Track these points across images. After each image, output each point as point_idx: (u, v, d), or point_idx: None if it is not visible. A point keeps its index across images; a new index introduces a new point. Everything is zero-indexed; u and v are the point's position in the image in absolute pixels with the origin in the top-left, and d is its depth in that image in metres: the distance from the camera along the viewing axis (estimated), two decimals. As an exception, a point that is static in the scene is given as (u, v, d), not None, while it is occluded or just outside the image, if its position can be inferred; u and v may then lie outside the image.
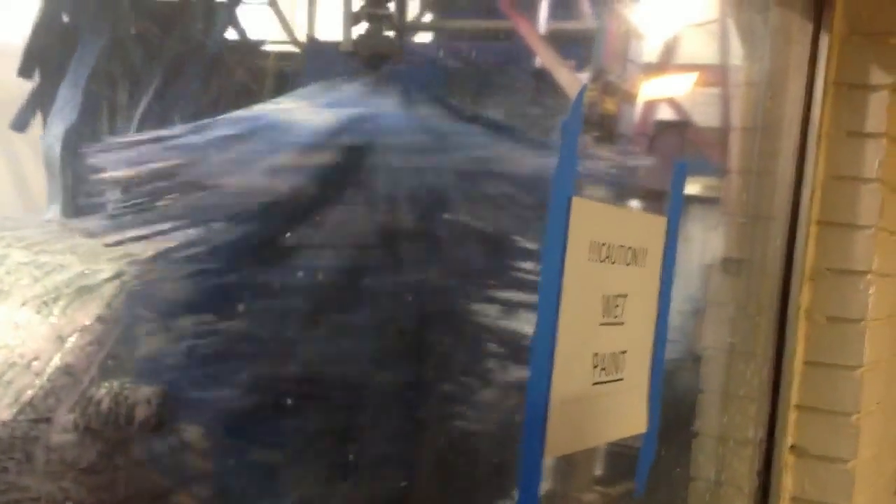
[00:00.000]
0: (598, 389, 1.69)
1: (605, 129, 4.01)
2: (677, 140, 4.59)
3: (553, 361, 1.54)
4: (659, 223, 1.88)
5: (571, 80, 3.96)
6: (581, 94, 1.57)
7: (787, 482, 2.42)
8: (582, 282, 1.61)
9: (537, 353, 1.53)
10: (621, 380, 1.76)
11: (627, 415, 1.82)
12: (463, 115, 2.92)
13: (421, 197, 2.61)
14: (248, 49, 4.13)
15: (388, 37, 3.06)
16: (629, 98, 4.32)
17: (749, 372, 2.48)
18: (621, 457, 4.19)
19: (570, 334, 1.58)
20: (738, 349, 2.55)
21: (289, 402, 2.34)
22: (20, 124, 4.13)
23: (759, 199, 2.57)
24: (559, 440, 1.57)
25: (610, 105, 4.12)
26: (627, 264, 1.75)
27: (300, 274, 2.36)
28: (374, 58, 2.99)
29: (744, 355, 2.53)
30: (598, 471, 4.14)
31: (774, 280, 2.49)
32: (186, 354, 2.35)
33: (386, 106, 2.79)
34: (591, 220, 1.62)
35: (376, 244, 2.53)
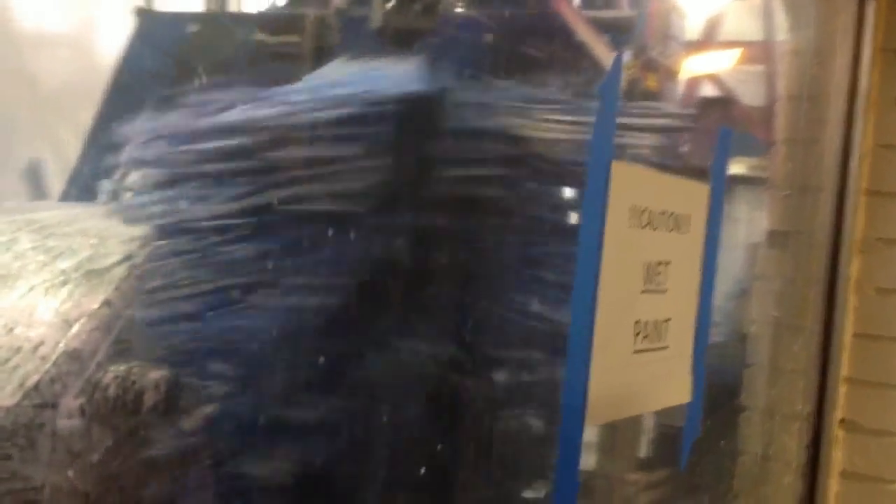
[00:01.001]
0: (640, 358, 1.66)
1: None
2: (722, 117, 4.53)
3: (593, 328, 1.51)
4: (702, 190, 1.84)
5: (609, 55, 3.90)
6: (619, 57, 1.53)
7: (837, 456, 2.38)
8: (622, 247, 1.58)
9: (577, 319, 1.51)
10: (665, 348, 1.73)
11: (671, 384, 1.79)
12: (500, 89, 2.88)
13: (459, 172, 2.57)
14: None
15: (420, 11, 3.01)
16: (671, 75, 4.26)
17: (797, 345, 2.44)
18: (668, 437, 4.15)
19: (611, 301, 1.55)
20: (785, 323, 2.50)
21: (318, 382, 2.32)
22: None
23: (806, 169, 2.53)
24: (600, 408, 1.55)
25: (651, 82, 4.07)
26: (670, 231, 1.72)
27: (331, 245, 2.33)
28: (406, 34, 2.94)
29: (791, 329, 2.48)
30: (645, 451, 4.11)
31: (822, 252, 2.44)
32: (203, 335, 2.33)
33: (419, 79, 2.75)
34: (631, 185, 1.59)
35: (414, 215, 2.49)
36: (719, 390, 2.73)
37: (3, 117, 6.06)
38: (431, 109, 2.55)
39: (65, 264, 2.43)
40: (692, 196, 1.80)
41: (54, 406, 2.14)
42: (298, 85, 2.74)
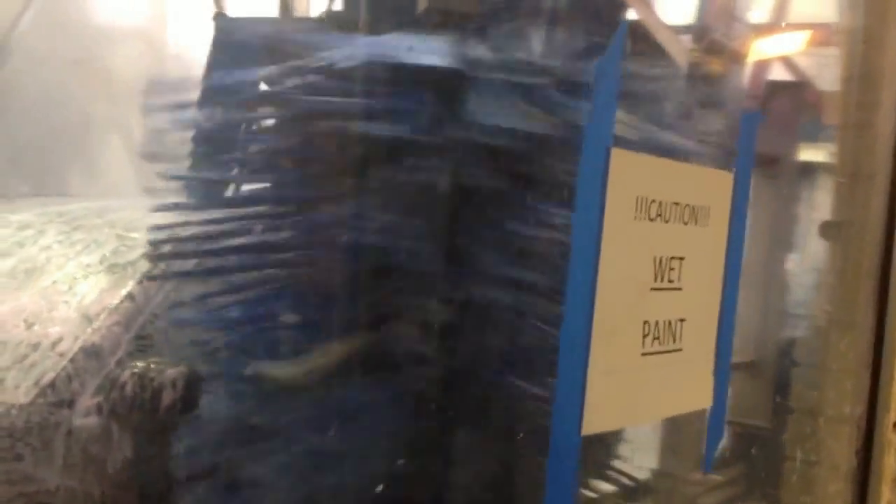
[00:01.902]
0: (649, 360, 1.54)
1: (711, 91, 3.81)
2: (792, 102, 4.35)
3: (591, 329, 1.41)
4: (724, 179, 1.72)
5: (672, 39, 3.75)
6: (622, 30, 1.42)
7: (890, 462, 2.22)
8: (626, 242, 1.47)
9: (571, 320, 1.40)
10: (679, 350, 1.61)
11: (687, 389, 1.67)
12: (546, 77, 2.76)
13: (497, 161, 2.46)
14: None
15: (465, -6, 2.92)
16: (737, 58, 4.09)
17: (845, 343, 2.29)
18: (738, 437, 4.00)
19: (613, 299, 1.44)
20: (835, 318, 2.35)
21: (357, 371, 2.24)
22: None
23: (859, 154, 2.37)
24: (600, 415, 1.44)
25: (715, 65, 3.91)
26: (685, 223, 1.60)
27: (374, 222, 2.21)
28: (449, 17, 2.86)
29: (841, 325, 2.33)
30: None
31: (876, 243, 2.28)
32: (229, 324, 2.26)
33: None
34: (635, 173, 1.47)
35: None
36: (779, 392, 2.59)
37: (79, 110, 6.15)
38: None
39: (89, 258, 2.40)
40: (712, 186, 1.68)
41: (71, 404, 2.09)
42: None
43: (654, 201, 1.51)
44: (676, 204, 1.57)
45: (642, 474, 3.74)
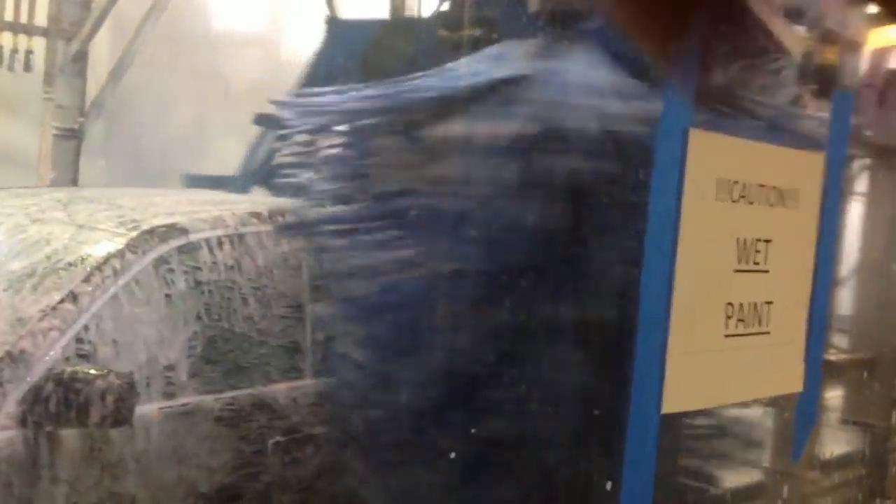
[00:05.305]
0: (732, 342, 1.54)
1: (825, 81, 3.71)
2: (913, 91, 4.20)
3: (670, 309, 1.41)
4: (814, 161, 1.69)
5: (785, 27, 3.68)
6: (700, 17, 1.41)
7: None
8: (707, 223, 1.47)
9: (647, 301, 1.40)
10: (766, 333, 1.60)
11: (775, 372, 1.66)
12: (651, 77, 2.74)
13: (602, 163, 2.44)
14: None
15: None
16: (853, 47, 3.98)
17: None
18: (856, 435, 3.88)
19: (693, 280, 1.44)
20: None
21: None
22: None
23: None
24: (681, 394, 1.44)
25: (830, 55, 3.81)
26: (771, 206, 1.58)
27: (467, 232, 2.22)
28: (561, 17, 2.87)
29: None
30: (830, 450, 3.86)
31: None
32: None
33: (569, 65, 2.66)
34: (716, 155, 1.47)
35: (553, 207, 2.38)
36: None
37: (199, 115, 6.34)
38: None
39: (36, 255, 2.13)
40: (800, 168, 1.66)
41: None
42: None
43: (736, 182, 1.51)
44: (762, 186, 1.55)
45: (756, 474, 3.67)
